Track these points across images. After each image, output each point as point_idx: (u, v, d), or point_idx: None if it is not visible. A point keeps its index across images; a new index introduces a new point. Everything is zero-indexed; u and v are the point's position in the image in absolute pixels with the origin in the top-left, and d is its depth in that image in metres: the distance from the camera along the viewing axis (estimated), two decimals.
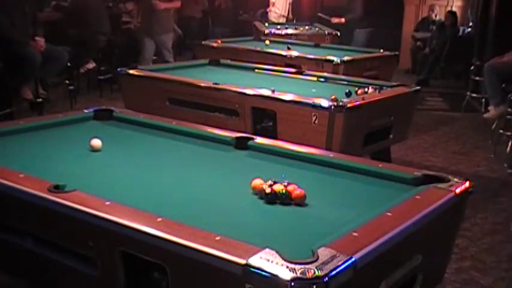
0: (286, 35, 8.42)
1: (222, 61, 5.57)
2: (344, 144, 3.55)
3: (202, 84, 4.24)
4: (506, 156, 5.47)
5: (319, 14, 9.03)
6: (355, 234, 1.79)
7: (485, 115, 6.32)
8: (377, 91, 4.13)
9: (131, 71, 4.70)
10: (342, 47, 7.07)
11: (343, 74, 5.31)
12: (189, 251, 1.68)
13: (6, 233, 2.26)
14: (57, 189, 2.08)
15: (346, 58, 5.71)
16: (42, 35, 6.18)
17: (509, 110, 5.69)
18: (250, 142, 2.86)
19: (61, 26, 7.32)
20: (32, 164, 2.45)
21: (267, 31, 8.58)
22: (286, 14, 11.00)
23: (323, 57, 5.82)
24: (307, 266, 1.55)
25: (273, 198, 2.14)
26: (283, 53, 6.28)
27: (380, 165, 2.58)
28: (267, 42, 7.33)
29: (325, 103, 3.60)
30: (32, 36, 6.04)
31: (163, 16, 7.37)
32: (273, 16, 10.84)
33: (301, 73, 5.11)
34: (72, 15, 7.55)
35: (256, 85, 4.15)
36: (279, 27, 9.03)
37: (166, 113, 3.76)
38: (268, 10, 10.98)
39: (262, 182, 2.22)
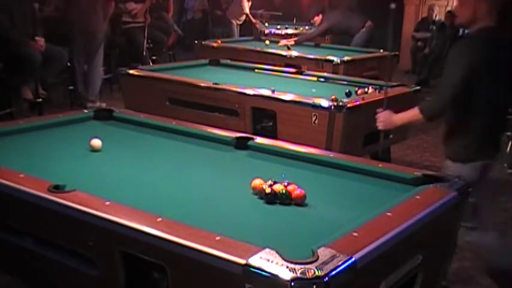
0: (286, 35, 8.43)
1: (222, 61, 5.57)
2: (344, 144, 3.55)
3: (202, 84, 4.24)
4: (506, 156, 5.46)
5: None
6: (355, 234, 1.79)
7: None
8: (377, 91, 4.12)
9: (131, 71, 4.70)
10: (342, 47, 7.07)
11: (343, 74, 5.32)
12: (189, 251, 1.68)
13: (6, 233, 2.26)
14: (57, 189, 2.08)
15: (346, 58, 5.72)
16: (42, 35, 6.18)
17: (509, 110, 5.67)
18: (250, 142, 2.86)
19: (60, 26, 7.30)
20: (32, 164, 2.45)
21: (267, 31, 8.58)
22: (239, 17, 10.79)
23: (323, 57, 5.84)
24: (307, 266, 1.55)
25: (273, 198, 2.14)
26: (283, 53, 6.29)
27: (380, 165, 2.58)
28: (267, 42, 7.34)
29: (325, 103, 3.60)
30: (32, 36, 6.03)
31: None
32: (233, 18, 10.60)
33: (301, 73, 5.11)
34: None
35: (256, 85, 4.15)
36: (279, 27, 9.02)
37: (166, 113, 3.76)
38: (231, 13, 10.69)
39: (262, 182, 2.22)
